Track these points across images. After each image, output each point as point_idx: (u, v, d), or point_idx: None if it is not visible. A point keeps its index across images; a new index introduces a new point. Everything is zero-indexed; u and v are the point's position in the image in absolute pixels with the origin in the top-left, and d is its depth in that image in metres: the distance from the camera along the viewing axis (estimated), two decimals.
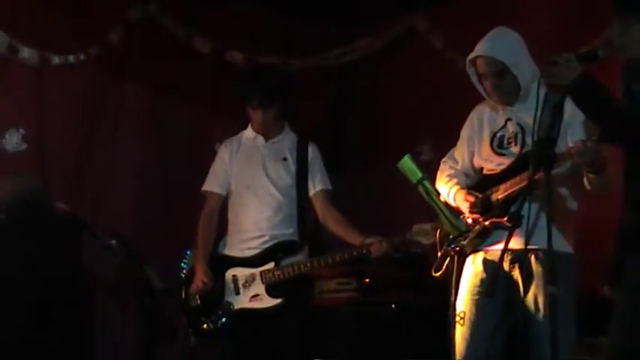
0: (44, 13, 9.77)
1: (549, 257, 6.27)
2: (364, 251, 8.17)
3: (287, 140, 8.68)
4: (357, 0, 11.08)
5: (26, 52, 9.57)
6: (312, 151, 8.67)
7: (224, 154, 8.77)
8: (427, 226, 7.77)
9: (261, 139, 8.65)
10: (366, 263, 9.01)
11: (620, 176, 6.41)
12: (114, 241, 8.78)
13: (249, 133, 8.70)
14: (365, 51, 11.01)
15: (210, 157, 8.98)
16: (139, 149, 10.19)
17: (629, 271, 6.27)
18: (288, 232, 8.45)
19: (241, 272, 8.46)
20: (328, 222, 8.53)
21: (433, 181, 7.50)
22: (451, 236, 7.37)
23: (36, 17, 9.75)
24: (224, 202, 8.66)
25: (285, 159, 8.60)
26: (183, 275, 8.72)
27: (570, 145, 6.60)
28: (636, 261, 6.23)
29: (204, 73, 10.50)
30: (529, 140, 7.02)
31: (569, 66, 5.97)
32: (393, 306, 9.24)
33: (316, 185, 8.57)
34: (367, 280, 9.41)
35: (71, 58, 9.75)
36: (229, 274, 8.46)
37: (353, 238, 8.29)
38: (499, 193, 7.20)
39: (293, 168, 8.61)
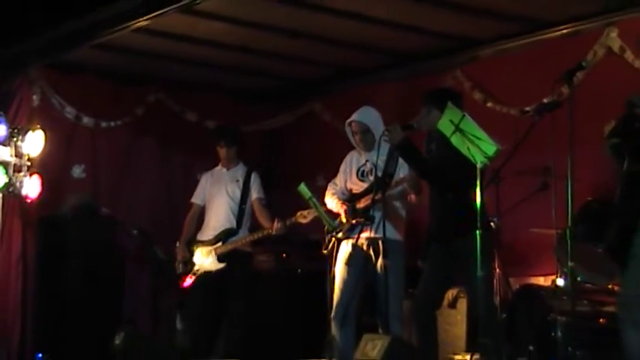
0: (97, 96, 10.65)
1: (385, 242, 7.61)
2: (270, 230, 8.95)
3: (240, 170, 9.44)
4: (280, 91, 11.83)
5: (86, 120, 10.49)
6: (254, 176, 9.39)
7: (202, 180, 9.60)
8: (305, 212, 8.53)
9: (225, 170, 9.44)
10: (284, 245, 10.08)
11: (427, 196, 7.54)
12: (135, 231, 10.18)
13: (218, 167, 9.51)
14: (284, 121, 11.83)
15: (194, 182, 9.72)
16: (153, 178, 10.98)
17: (429, 252, 7.50)
18: (232, 224, 9.24)
19: (205, 249, 9.21)
20: (258, 215, 9.30)
21: (322, 198, 8.30)
22: (329, 230, 8.11)
23: (92, 98, 10.58)
24: (202, 209, 9.43)
25: (237, 180, 9.35)
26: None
27: (402, 176, 7.65)
28: (434, 247, 7.44)
29: (191, 133, 11.10)
30: (378, 174, 7.78)
31: (397, 132, 7.16)
32: (299, 270, 10.10)
33: (253, 195, 9.31)
34: (284, 255, 10.20)
35: (112, 124, 10.70)
36: (198, 250, 9.24)
37: (268, 224, 9.05)
38: (360, 204, 7.98)
39: (241, 186, 9.31)
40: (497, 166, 7.18)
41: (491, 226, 7.07)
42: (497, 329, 7.10)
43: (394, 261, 7.65)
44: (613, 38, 8.65)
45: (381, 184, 7.45)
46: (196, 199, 9.56)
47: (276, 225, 8.91)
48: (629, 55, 8.48)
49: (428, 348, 7.43)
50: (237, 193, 9.38)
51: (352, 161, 8.40)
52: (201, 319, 9.35)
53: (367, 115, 8.22)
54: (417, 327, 7.64)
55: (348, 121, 8.25)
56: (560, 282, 7.69)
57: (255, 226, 9.40)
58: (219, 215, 9.37)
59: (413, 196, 7.83)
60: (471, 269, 6.79)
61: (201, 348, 9.13)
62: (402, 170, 7.65)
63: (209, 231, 9.36)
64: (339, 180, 8.48)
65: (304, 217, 8.64)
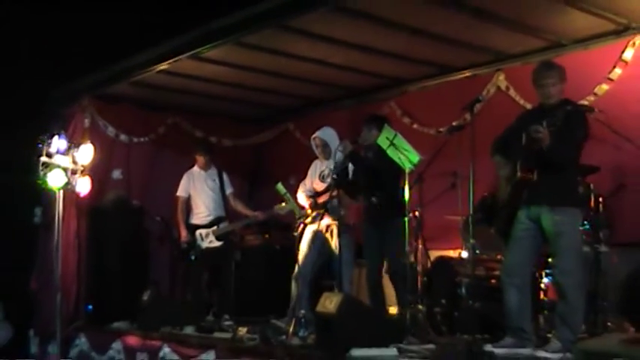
0: (130, 119, 10.51)
1: (338, 226, 7.56)
2: (256, 217, 9.07)
3: (213, 171, 9.40)
4: (264, 116, 11.64)
5: (122, 137, 10.45)
6: (225, 176, 9.39)
7: (184, 179, 9.43)
8: (282, 205, 8.44)
9: (202, 171, 9.40)
10: (267, 228, 9.96)
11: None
12: (158, 218, 10.19)
13: (196, 169, 9.44)
14: (267, 137, 11.71)
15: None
16: (171, 178, 10.03)
17: (366, 233, 7.61)
18: (221, 212, 9.27)
19: (204, 231, 9.18)
20: (236, 206, 9.33)
21: (294, 194, 8.34)
22: (298, 218, 8.19)
23: (126, 121, 10.47)
24: (186, 199, 9.31)
25: (214, 180, 9.34)
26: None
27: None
28: (370, 229, 7.52)
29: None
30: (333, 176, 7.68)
31: (347, 146, 7.30)
32: (277, 247, 9.92)
33: (227, 190, 9.34)
34: (266, 235, 10.07)
35: (141, 139, 10.65)
36: (197, 232, 9.20)
37: (248, 212, 9.20)
38: (321, 199, 8.03)
39: (218, 184, 9.31)
40: (420, 170, 7.44)
41: (407, 214, 7.01)
42: (410, 285, 7.15)
43: (345, 240, 7.59)
44: (501, 80, 8.77)
45: (338, 183, 7.35)
46: (181, 192, 9.40)
47: (261, 215, 8.93)
48: (512, 92, 8.58)
49: (378, 305, 7.48)
50: (217, 189, 9.30)
51: (316, 167, 8.37)
52: (205, 284, 9.31)
53: (326, 133, 8.19)
54: (368, 289, 7.64)
55: (313, 136, 8.25)
56: (464, 254, 7.71)
57: (232, 214, 9.37)
58: (207, 205, 9.25)
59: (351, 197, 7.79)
60: (394, 243, 7.11)
61: (204, 303, 9.12)
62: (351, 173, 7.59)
63: (200, 217, 9.26)
64: (307, 181, 8.42)
65: (281, 208, 8.57)
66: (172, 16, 10.26)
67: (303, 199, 8.31)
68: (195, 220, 9.29)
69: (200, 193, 9.34)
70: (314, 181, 8.34)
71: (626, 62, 7.73)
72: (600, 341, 5.08)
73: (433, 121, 9.40)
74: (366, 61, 9.10)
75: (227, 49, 8.56)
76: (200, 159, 9.45)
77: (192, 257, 9.19)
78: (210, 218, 9.24)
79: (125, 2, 11.08)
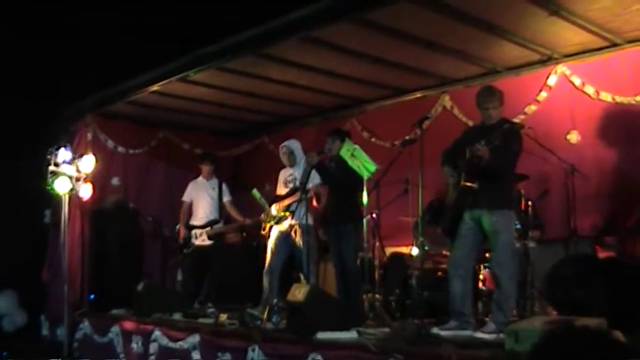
0: (127, 134, 10.44)
1: (302, 226, 7.56)
2: (245, 222, 8.91)
3: (214, 181, 9.27)
4: (243, 130, 11.53)
5: (120, 148, 10.37)
6: (224, 186, 9.28)
7: (189, 186, 9.33)
8: (264, 215, 8.15)
9: (205, 180, 9.26)
10: (246, 229, 9.52)
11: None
12: (150, 218, 10.29)
13: (200, 179, 9.31)
14: (245, 149, 11.65)
15: (186, 186, 9.43)
16: (161, 185, 10.72)
17: (330, 234, 7.49)
18: (216, 216, 9.12)
19: (199, 231, 9.05)
20: (230, 211, 9.16)
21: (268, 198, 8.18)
22: (269, 219, 8.05)
23: (124, 135, 10.39)
24: (189, 204, 9.21)
25: (214, 188, 9.20)
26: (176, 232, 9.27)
27: (311, 186, 7.42)
28: (331, 229, 7.41)
29: (186, 156, 10.80)
30: (296, 183, 7.82)
31: (314, 157, 7.20)
32: (254, 243, 9.63)
33: (224, 198, 9.21)
34: (244, 233, 9.75)
35: (136, 151, 10.58)
36: (193, 232, 9.07)
37: (240, 218, 9.03)
38: (285, 202, 7.89)
39: (217, 192, 9.20)
40: (377, 178, 7.45)
41: (365, 215, 6.95)
42: (362, 278, 7.09)
43: (310, 238, 7.51)
44: (446, 101, 8.83)
45: (301, 189, 7.32)
46: (185, 198, 9.29)
47: (250, 221, 8.76)
48: (456, 111, 8.65)
49: (344, 293, 7.29)
50: (215, 196, 9.17)
51: (285, 174, 8.22)
52: (194, 275, 9.15)
53: (292, 143, 8.13)
54: (336, 281, 7.45)
55: (281, 145, 8.18)
56: (415, 250, 7.72)
57: (227, 219, 9.22)
58: (205, 209, 9.14)
59: (315, 202, 7.72)
60: (349, 247, 7.06)
61: (191, 293, 8.96)
62: (312, 182, 7.44)
63: (198, 219, 9.13)
64: (277, 187, 8.28)
65: (266, 216, 8.23)
66: (162, 45, 10.17)
67: (273, 202, 8.13)
68: (194, 221, 9.18)
69: (200, 199, 9.21)
70: (280, 186, 8.21)
71: (550, 87, 7.90)
72: (527, 323, 5.12)
73: (388, 135, 9.40)
74: (331, 84, 9.07)
75: (211, 73, 8.53)
76: (205, 169, 9.31)
77: (186, 252, 9.09)
78: (205, 220, 9.12)
79: (122, 33, 11.01)
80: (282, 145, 8.18)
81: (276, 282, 7.86)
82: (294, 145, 8.15)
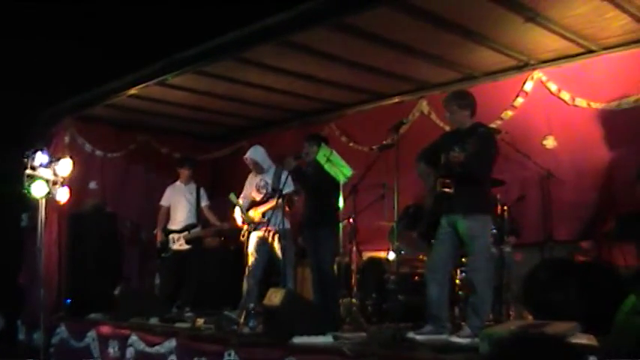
0: (105, 137, 10.39)
1: (278, 231, 7.47)
2: (223, 226, 8.93)
3: (192, 185, 9.27)
4: (222, 134, 11.47)
5: (98, 152, 10.32)
6: (202, 190, 9.28)
7: (168, 190, 9.34)
8: (242, 216, 8.02)
9: (183, 184, 9.26)
10: (224, 234, 9.58)
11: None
12: (128, 223, 10.45)
13: (178, 183, 9.31)
14: (224, 153, 11.56)
15: (164, 191, 9.42)
16: (140, 189, 10.67)
17: (306, 238, 7.36)
18: (194, 220, 9.13)
19: (176, 235, 9.06)
20: (207, 215, 9.16)
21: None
22: (247, 224, 7.98)
23: (102, 139, 10.33)
24: (167, 208, 9.19)
25: (192, 193, 9.21)
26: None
27: (286, 191, 7.32)
28: (307, 233, 7.28)
29: (164, 160, 10.71)
30: (269, 188, 7.83)
31: (291, 162, 7.08)
32: (232, 248, 9.63)
33: (202, 202, 9.22)
34: (223, 238, 9.78)
35: (115, 155, 10.54)
36: (170, 236, 9.08)
37: (218, 223, 9.05)
38: (261, 207, 7.84)
39: (195, 196, 9.19)
40: (355, 183, 7.41)
41: (342, 220, 6.90)
42: (339, 283, 7.07)
43: (286, 243, 7.49)
44: (424, 106, 8.88)
45: (276, 195, 7.26)
46: (164, 202, 9.29)
47: (227, 224, 8.78)
48: (433, 116, 8.68)
49: (322, 297, 7.22)
50: (193, 201, 9.16)
51: (253, 180, 8.14)
52: (171, 279, 9.13)
53: (254, 152, 8.01)
54: (313, 286, 7.37)
55: (244, 157, 8.05)
56: (391, 255, 7.72)
57: (205, 223, 9.23)
58: (183, 214, 9.14)
59: (287, 207, 7.52)
60: (326, 251, 6.99)
61: (169, 297, 8.94)
62: (287, 187, 7.35)
63: (176, 223, 9.13)
64: (246, 192, 8.17)
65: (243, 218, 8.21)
66: (140, 48, 10.18)
67: (239, 214, 8.10)
68: (172, 225, 9.17)
69: (178, 203, 9.21)
70: (252, 191, 8.12)
71: (526, 92, 8.02)
72: (503, 327, 5.13)
73: (366, 140, 9.41)
74: (310, 89, 9.09)
75: (189, 76, 8.52)
76: (184, 173, 9.31)
77: (164, 256, 9.09)
78: (183, 225, 9.12)
79: (100, 36, 11.00)
80: (245, 157, 8.09)
81: (257, 286, 7.83)
82: (255, 154, 8.03)
